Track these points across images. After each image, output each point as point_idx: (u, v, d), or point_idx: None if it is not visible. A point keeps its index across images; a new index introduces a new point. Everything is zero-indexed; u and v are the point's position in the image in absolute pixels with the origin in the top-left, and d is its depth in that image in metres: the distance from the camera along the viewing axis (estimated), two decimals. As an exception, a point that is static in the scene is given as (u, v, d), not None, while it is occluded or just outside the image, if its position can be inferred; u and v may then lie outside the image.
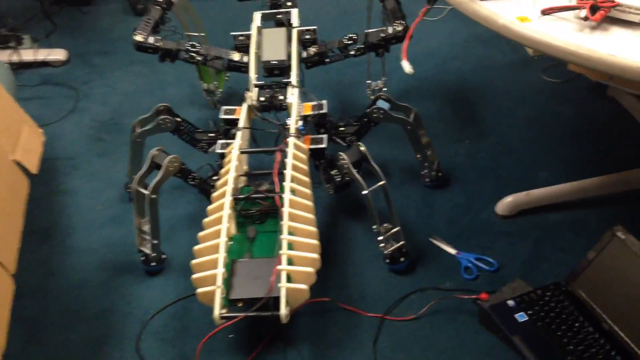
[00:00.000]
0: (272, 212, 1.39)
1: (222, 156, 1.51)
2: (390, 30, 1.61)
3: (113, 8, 2.65)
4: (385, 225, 1.43)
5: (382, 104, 1.57)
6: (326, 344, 1.32)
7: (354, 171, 1.43)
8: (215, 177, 1.56)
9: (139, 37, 1.66)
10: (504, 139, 1.82)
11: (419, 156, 1.63)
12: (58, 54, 2.30)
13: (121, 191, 1.75)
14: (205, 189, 1.57)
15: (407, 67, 1.16)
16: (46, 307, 1.45)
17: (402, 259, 1.45)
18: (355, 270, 1.48)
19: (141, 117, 1.64)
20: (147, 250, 1.49)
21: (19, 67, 2.26)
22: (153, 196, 1.43)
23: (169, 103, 1.64)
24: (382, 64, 1.90)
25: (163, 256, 1.52)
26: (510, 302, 1.26)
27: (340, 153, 1.46)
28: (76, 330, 1.39)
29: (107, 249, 1.60)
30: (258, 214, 1.39)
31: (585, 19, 0.90)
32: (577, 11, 0.93)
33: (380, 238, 1.43)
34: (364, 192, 1.39)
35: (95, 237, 1.64)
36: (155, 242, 1.48)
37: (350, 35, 1.66)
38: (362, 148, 1.45)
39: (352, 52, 1.68)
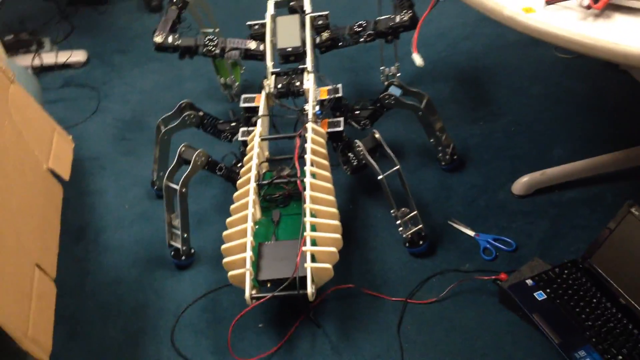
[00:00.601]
0: (295, 196, 1.44)
1: (245, 144, 1.58)
2: (397, 18, 1.64)
3: (128, 5, 2.69)
4: (402, 209, 1.47)
5: (394, 90, 1.61)
6: (352, 328, 1.38)
7: (370, 157, 1.47)
8: (239, 165, 1.61)
9: (158, 39, 1.71)
10: (518, 117, 1.84)
11: (432, 140, 1.66)
12: (78, 56, 2.36)
13: (147, 188, 1.82)
14: (232, 177, 1.62)
15: (418, 60, 1.19)
16: (84, 304, 1.53)
17: (421, 242, 1.49)
18: (377, 255, 1.53)
19: (165, 115, 1.70)
20: (178, 245, 1.55)
21: (41, 71, 2.33)
22: (183, 190, 1.49)
23: (187, 98, 1.71)
24: (395, 50, 1.93)
25: (192, 250, 1.58)
26: (529, 282, 1.30)
27: (356, 140, 1.50)
28: (114, 326, 1.47)
29: (138, 246, 1.67)
30: (281, 197, 1.45)
31: (588, 7, 0.93)
32: (580, 0, 0.95)
33: (399, 222, 1.48)
34: (379, 177, 1.44)
35: (125, 235, 1.70)
36: (185, 235, 1.54)
37: (360, 22, 1.69)
38: (377, 135, 1.50)
39: (362, 39, 1.70)
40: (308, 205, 1.33)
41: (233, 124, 1.71)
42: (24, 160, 1.17)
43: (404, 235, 1.49)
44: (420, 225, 1.48)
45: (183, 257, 1.56)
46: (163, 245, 1.60)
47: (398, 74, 1.98)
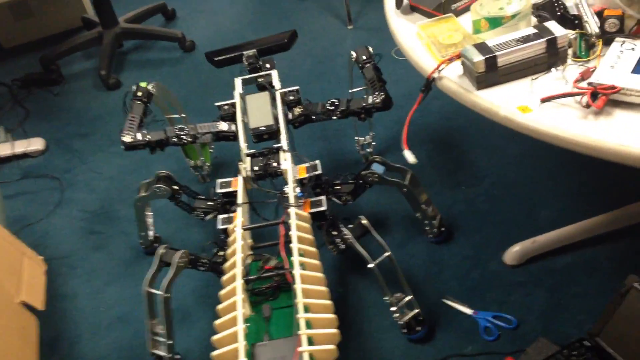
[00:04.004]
0: (284, 286, 1.37)
1: (225, 232, 1.51)
2: (370, 99, 1.61)
3: (84, 85, 2.61)
4: (396, 295, 1.41)
5: (377, 168, 1.56)
6: None
7: (358, 246, 1.41)
8: (221, 253, 1.54)
9: (127, 138, 1.63)
10: (500, 179, 1.81)
11: (418, 215, 1.62)
12: (36, 144, 2.26)
13: (123, 286, 1.72)
14: (216, 269, 1.54)
15: (410, 157, 1.15)
16: None
17: (418, 328, 1.43)
18: (373, 343, 1.46)
19: (146, 180, 1.67)
20: (162, 353, 1.45)
21: (-4, 163, 2.22)
22: (167, 295, 1.40)
23: None
24: (369, 119, 1.90)
25: (177, 356, 1.48)
26: (539, 367, 1.25)
27: (344, 229, 1.45)
28: None
29: (117, 354, 1.56)
30: (270, 290, 1.37)
31: (588, 106, 0.90)
32: (577, 97, 0.92)
33: (394, 309, 1.41)
34: (370, 265, 1.38)
35: (103, 342, 1.59)
36: (170, 342, 1.44)
37: (332, 101, 1.66)
38: (364, 222, 1.44)
39: (335, 117, 1.67)
40: (300, 300, 1.25)
41: (210, 203, 1.65)
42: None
43: (400, 322, 1.43)
44: (417, 310, 1.42)
45: (168, 365, 1.46)
46: (145, 351, 1.49)
47: (373, 143, 1.95)
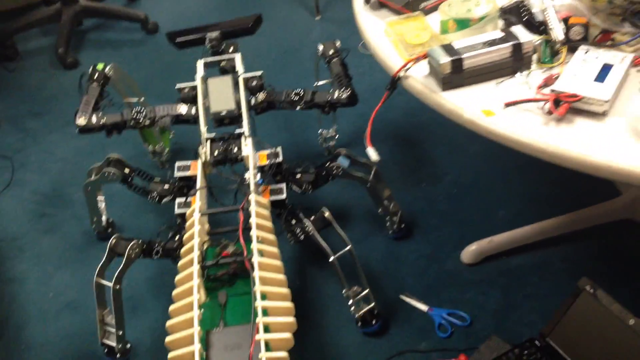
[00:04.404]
0: (241, 273, 1.35)
1: (182, 217, 1.48)
2: (335, 94, 1.60)
3: (40, 62, 2.52)
4: (354, 288, 1.42)
5: (342, 161, 1.56)
6: None
7: (319, 239, 1.41)
8: (176, 238, 1.50)
9: (81, 120, 1.58)
10: (460, 178, 1.83)
11: (380, 210, 1.62)
12: (-13, 122, 2.18)
13: (73, 271, 1.67)
14: (171, 254, 1.51)
15: (373, 155, 1.14)
16: (8, 418, 1.37)
17: (373, 321, 1.44)
18: (330, 337, 1.46)
19: (96, 164, 1.63)
20: (112, 343, 1.42)
21: (-56, 139, 2.13)
22: (117, 287, 1.37)
23: None
24: (333, 113, 1.89)
25: (128, 346, 1.45)
26: (490, 366, 1.27)
27: (305, 220, 1.44)
28: None
29: (66, 341, 1.52)
30: (227, 277, 1.35)
31: (550, 112, 0.91)
32: (540, 103, 0.93)
33: (351, 302, 1.42)
34: (331, 259, 1.38)
35: (51, 329, 1.55)
36: (120, 333, 1.41)
37: (296, 91, 1.64)
38: (327, 214, 1.44)
39: (299, 107, 1.65)
40: (258, 288, 1.24)
41: (166, 186, 1.61)
42: None
43: (356, 315, 1.43)
44: (373, 304, 1.43)
45: (118, 355, 1.43)
46: (95, 339, 1.46)
47: (336, 136, 1.94)
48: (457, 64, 0.98)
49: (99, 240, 1.76)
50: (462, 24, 1.08)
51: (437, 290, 1.53)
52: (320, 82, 1.83)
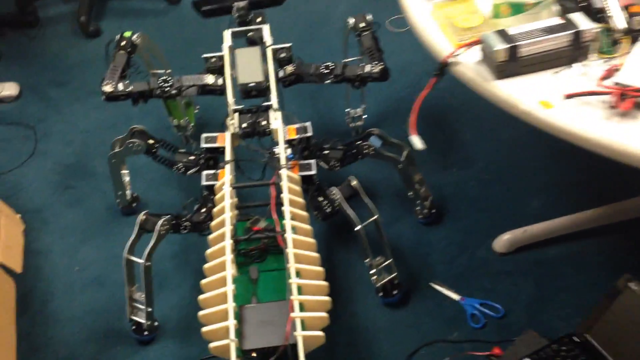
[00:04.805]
0: (272, 249, 1.33)
1: (209, 189, 1.46)
2: (367, 68, 1.55)
3: (62, 30, 2.47)
4: (378, 258, 1.41)
5: (374, 141, 1.53)
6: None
7: (347, 207, 1.39)
8: (202, 210, 1.48)
9: (108, 87, 1.54)
10: (491, 165, 1.79)
11: (410, 194, 1.59)
12: (10, 89, 2.14)
13: (99, 245, 1.65)
14: (198, 228, 1.49)
15: (418, 143, 1.11)
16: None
17: (395, 292, 1.44)
18: (359, 322, 1.45)
19: (119, 137, 1.60)
20: (141, 319, 1.41)
21: (-35, 106, 2.10)
22: (147, 264, 1.35)
23: None
24: (361, 91, 1.85)
25: (156, 323, 1.44)
26: (527, 360, 1.25)
27: (332, 188, 1.43)
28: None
29: (92, 316, 1.51)
30: (258, 252, 1.33)
31: (613, 106, 0.87)
32: (602, 96, 0.89)
33: (373, 271, 1.41)
34: (357, 227, 1.37)
35: (77, 303, 1.54)
36: (149, 309, 1.40)
37: (327, 64, 1.59)
38: (354, 183, 1.42)
39: (328, 81, 1.61)
40: (292, 265, 1.22)
41: (191, 157, 1.58)
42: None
43: (377, 285, 1.43)
44: (395, 274, 1.43)
45: (146, 332, 1.42)
46: (121, 315, 1.45)
47: (364, 116, 1.90)
48: (512, 51, 0.94)
49: (123, 215, 1.74)
50: (517, 8, 1.03)
51: (468, 279, 1.51)
52: (349, 59, 1.78)
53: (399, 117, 1.98)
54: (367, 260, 1.40)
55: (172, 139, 1.91)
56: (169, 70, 1.79)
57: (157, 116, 1.99)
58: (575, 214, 1.54)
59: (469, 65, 1.01)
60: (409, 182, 1.56)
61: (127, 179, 1.68)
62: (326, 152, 1.56)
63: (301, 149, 1.51)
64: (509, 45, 0.93)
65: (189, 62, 1.77)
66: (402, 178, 1.55)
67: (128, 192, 1.71)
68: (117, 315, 1.49)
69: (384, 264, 1.42)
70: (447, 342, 1.38)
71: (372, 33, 1.60)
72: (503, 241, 1.54)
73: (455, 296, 1.47)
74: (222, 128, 1.53)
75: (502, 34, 0.96)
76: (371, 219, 1.38)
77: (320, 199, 1.48)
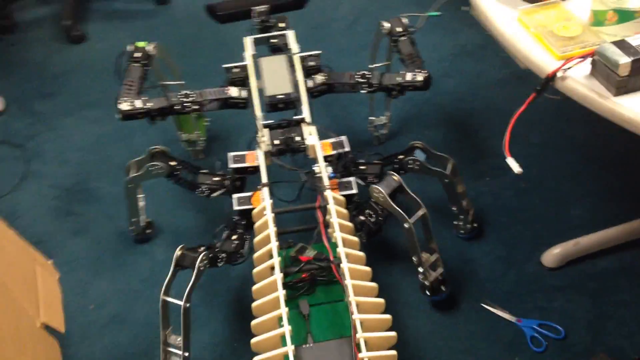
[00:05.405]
0: (320, 279, 1.21)
1: (242, 214, 1.33)
2: (409, 77, 1.44)
3: (43, 35, 2.28)
4: (424, 254, 1.34)
5: (419, 155, 1.43)
6: None
7: (392, 203, 1.30)
8: (234, 238, 1.35)
9: (125, 106, 1.39)
10: (525, 171, 1.69)
11: (454, 208, 1.50)
12: (-6, 104, 1.95)
13: (114, 279, 1.50)
14: (233, 259, 1.36)
15: (515, 167, 1.01)
16: None
17: (442, 288, 1.37)
18: (416, 350, 1.34)
19: (137, 158, 1.47)
20: (177, 366, 1.27)
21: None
22: (187, 305, 1.22)
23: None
24: (387, 98, 1.74)
25: (192, 369, 1.31)
26: (608, 389, 1.17)
27: (374, 186, 1.32)
28: None
29: (115, 360, 1.37)
30: (306, 284, 1.21)
31: None
32: None
33: (421, 270, 1.34)
34: (407, 224, 1.28)
35: (98, 347, 1.39)
36: (186, 354, 1.26)
37: (363, 72, 1.48)
38: (396, 177, 1.33)
39: (364, 91, 1.49)
40: (353, 299, 1.10)
41: (216, 178, 1.45)
42: (15, 324, 0.86)
43: (426, 282, 1.35)
44: (442, 270, 1.37)
45: (182, 379, 1.29)
46: (150, 358, 1.32)
47: (388, 124, 1.80)
48: (638, 65, 0.84)
49: (136, 242, 1.59)
50: (625, 15, 0.93)
51: (519, 297, 1.42)
52: (376, 65, 1.67)
53: (419, 123, 1.88)
54: (414, 258, 1.32)
55: (180, 153, 1.78)
56: (182, 82, 1.65)
57: (162, 129, 1.83)
58: (627, 223, 1.47)
59: (579, 79, 0.91)
60: (454, 195, 1.46)
61: (142, 203, 1.53)
62: (363, 167, 1.44)
63: (341, 166, 1.40)
64: (634, 58, 0.83)
65: (185, 66, 1.64)
66: (447, 192, 1.46)
67: (142, 218, 1.56)
68: (144, 357, 1.35)
69: (432, 261, 1.35)
70: (511, 369, 1.30)
71: (410, 38, 1.49)
72: (553, 255, 1.46)
73: (510, 317, 1.38)
74: (250, 145, 1.41)
75: (623, 45, 0.86)
76: (420, 214, 1.31)
77: (361, 217, 1.37)
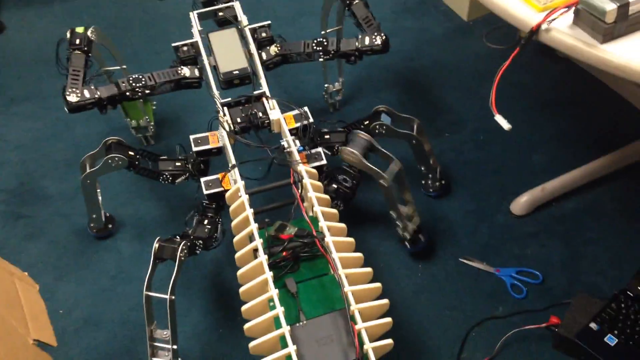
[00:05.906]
0: (302, 256, 1.19)
1: (212, 197, 1.29)
2: (367, 41, 1.41)
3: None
4: (401, 207, 1.36)
5: (385, 119, 1.41)
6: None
7: (367, 162, 1.31)
8: (205, 223, 1.31)
9: (73, 97, 1.29)
10: (482, 124, 1.73)
11: (422, 168, 1.50)
12: None
13: (82, 285, 1.43)
14: (208, 245, 1.31)
15: (504, 123, 1.01)
16: None
17: (420, 237, 1.42)
18: (402, 315, 1.35)
19: (90, 152, 1.38)
20: (165, 360, 1.23)
21: None
22: (172, 297, 1.17)
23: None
24: (339, 64, 1.71)
25: (180, 360, 1.26)
26: (594, 325, 1.21)
27: (345, 148, 1.32)
28: None
29: (96, 364, 1.30)
30: (289, 262, 1.18)
31: None
32: None
33: (399, 224, 1.37)
34: (384, 182, 1.29)
35: (75, 353, 1.32)
36: (174, 347, 1.22)
37: (318, 40, 1.44)
38: (366, 135, 1.34)
39: (321, 58, 1.45)
40: (341, 272, 1.09)
41: (177, 163, 1.39)
42: (10, 345, 0.79)
43: (406, 234, 1.39)
44: (419, 221, 1.41)
45: (171, 374, 1.24)
46: (131, 357, 1.26)
47: (342, 90, 1.77)
48: (623, 10, 0.84)
49: (98, 239, 1.51)
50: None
51: (495, 248, 1.45)
52: (328, 30, 1.63)
53: (371, 86, 1.86)
54: (392, 212, 1.34)
55: (130, 142, 1.69)
56: (124, 67, 1.55)
57: (105, 118, 1.71)
58: (587, 164, 1.52)
59: (564, 30, 0.90)
60: (422, 155, 1.46)
61: (100, 198, 1.45)
62: (327, 136, 1.41)
63: (307, 138, 1.36)
64: (620, 4, 0.83)
65: (121, 50, 1.55)
66: (415, 153, 1.46)
67: (101, 213, 1.47)
68: (127, 358, 1.29)
69: (410, 212, 1.37)
70: (496, 318, 1.32)
71: (363, 1, 1.45)
72: (522, 203, 1.49)
73: (489, 269, 1.41)
74: (210, 126, 1.35)
75: (606, -8, 0.86)
76: (396, 170, 1.31)
77: (334, 185, 1.35)
